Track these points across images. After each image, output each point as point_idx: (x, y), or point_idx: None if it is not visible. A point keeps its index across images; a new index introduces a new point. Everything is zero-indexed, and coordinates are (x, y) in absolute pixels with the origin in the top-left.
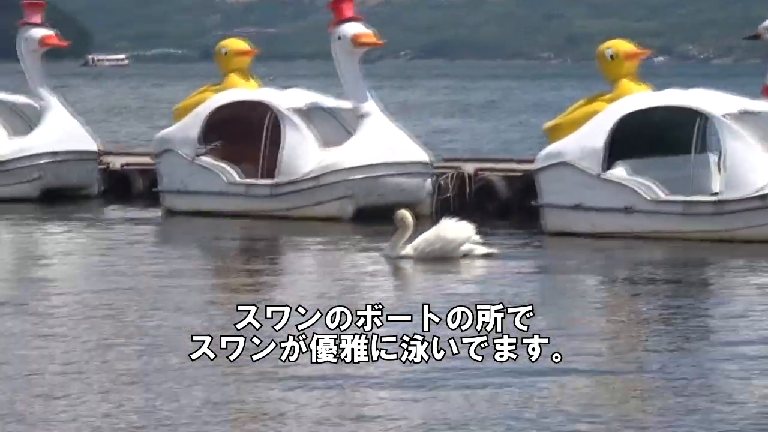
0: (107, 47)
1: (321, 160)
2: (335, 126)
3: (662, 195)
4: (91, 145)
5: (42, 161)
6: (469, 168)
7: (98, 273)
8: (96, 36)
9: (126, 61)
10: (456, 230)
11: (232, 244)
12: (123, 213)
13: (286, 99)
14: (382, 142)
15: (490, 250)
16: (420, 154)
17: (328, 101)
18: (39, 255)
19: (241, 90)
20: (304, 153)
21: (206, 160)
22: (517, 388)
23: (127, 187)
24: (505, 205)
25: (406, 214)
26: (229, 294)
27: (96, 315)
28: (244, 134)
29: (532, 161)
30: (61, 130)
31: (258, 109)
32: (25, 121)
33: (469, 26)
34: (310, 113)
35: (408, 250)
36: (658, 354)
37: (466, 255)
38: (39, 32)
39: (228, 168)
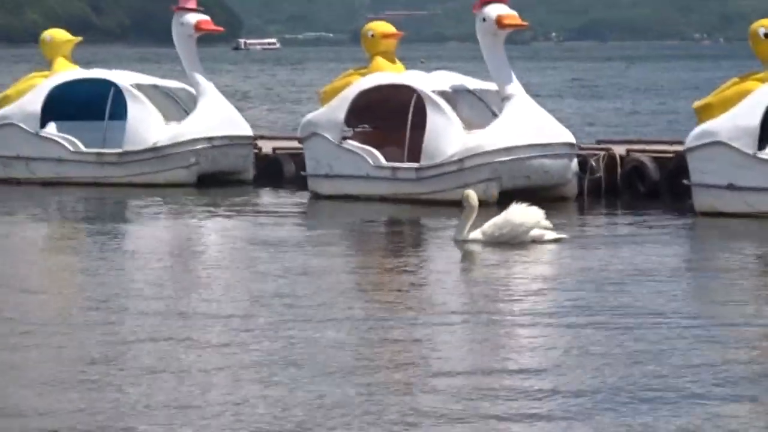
0: (258, 31)
1: (465, 142)
2: (481, 108)
3: None
4: (246, 130)
5: (198, 146)
6: (619, 149)
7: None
8: (246, 20)
9: (277, 45)
10: (524, 215)
11: (379, 228)
12: (275, 198)
13: (430, 82)
14: (527, 123)
15: (560, 235)
16: (565, 135)
17: (474, 83)
18: (199, 242)
19: (387, 73)
20: (448, 136)
21: (352, 143)
22: None
23: (278, 171)
24: (655, 186)
25: (471, 194)
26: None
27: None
28: (390, 117)
29: (682, 143)
30: (217, 116)
31: (403, 92)
32: (180, 106)
33: (622, 6)
34: (455, 96)
35: (477, 234)
36: None
37: (535, 240)
38: (194, 17)
39: (373, 151)
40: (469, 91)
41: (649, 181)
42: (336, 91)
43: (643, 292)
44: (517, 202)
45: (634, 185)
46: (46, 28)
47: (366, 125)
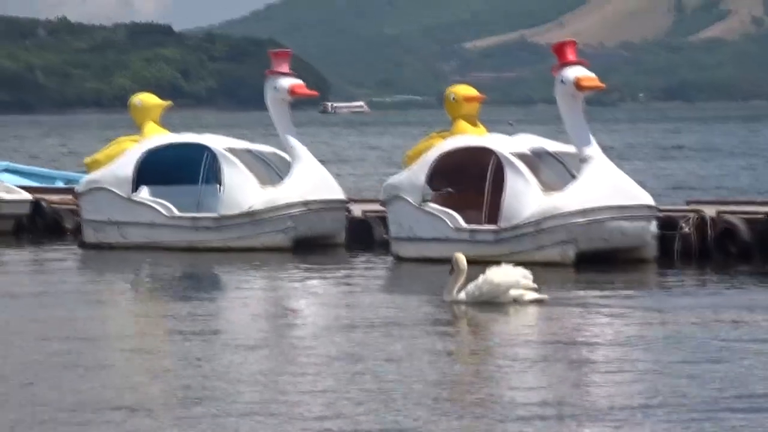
0: (345, 94)
1: (542, 204)
2: (560, 171)
3: None
4: (340, 193)
5: (294, 211)
6: (710, 210)
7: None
8: (334, 83)
9: (365, 108)
10: (503, 275)
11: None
12: (365, 262)
13: (510, 144)
14: (604, 185)
15: (541, 296)
16: (644, 197)
17: (554, 146)
18: (298, 307)
19: (467, 136)
20: (526, 198)
21: (433, 206)
22: None
23: (369, 234)
24: (747, 247)
25: (460, 257)
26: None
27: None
28: (470, 180)
29: None
30: (313, 179)
31: (482, 155)
32: (273, 170)
33: (708, 67)
34: (535, 158)
35: (462, 295)
36: None
37: (516, 300)
38: (288, 81)
39: (453, 214)
40: (548, 153)
41: (740, 243)
42: (418, 154)
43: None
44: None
45: (726, 247)
46: (134, 93)
47: (450, 188)
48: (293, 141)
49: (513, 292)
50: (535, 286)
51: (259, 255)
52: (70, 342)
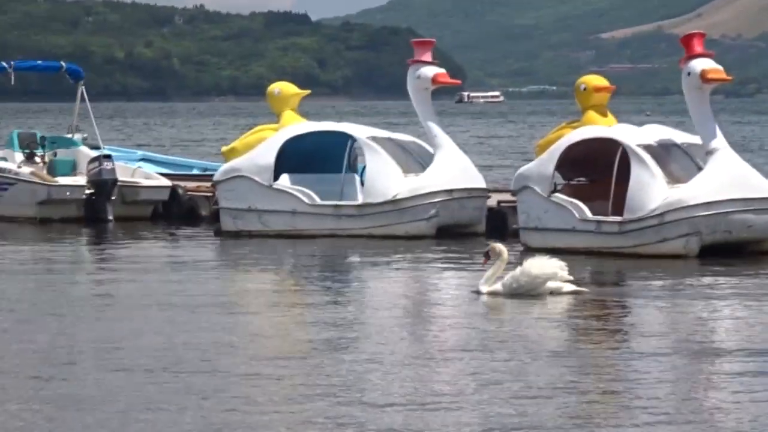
0: (480, 84)
1: (667, 196)
2: (687, 163)
3: None
4: (481, 182)
5: (438, 199)
6: None
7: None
8: (469, 73)
9: (500, 98)
10: (541, 267)
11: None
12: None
13: (636, 135)
14: (730, 178)
15: (579, 288)
16: None
17: (682, 137)
18: (438, 294)
19: (594, 127)
20: (651, 189)
21: (560, 196)
22: None
23: (504, 224)
24: None
25: (500, 248)
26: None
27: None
28: (597, 171)
29: None
30: (456, 168)
31: (609, 146)
32: (414, 158)
33: None
34: (661, 150)
35: (497, 286)
36: None
37: (553, 292)
38: (431, 70)
39: (580, 204)
40: (675, 145)
41: None
42: (548, 145)
43: None
44: (539, 255)
45: None
46: (271, 82)
47: (580, 179)
48: (436, 129)
49: (551, 284)
50: (572, 278)
51: (402, 243)
52: (214, 332)
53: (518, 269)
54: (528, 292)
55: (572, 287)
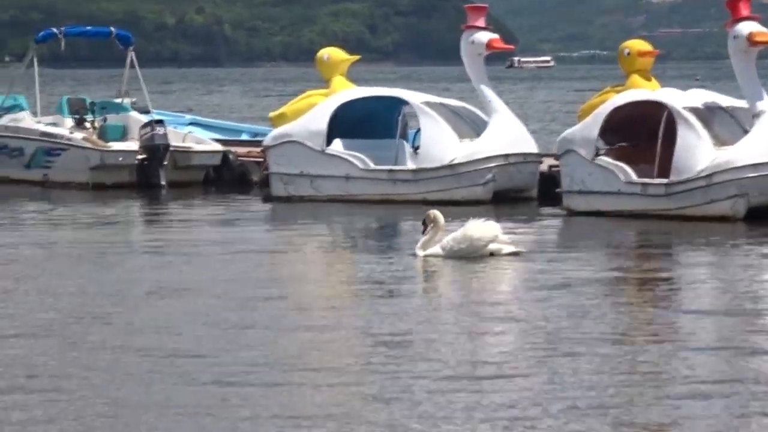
0: (531, 49)
1: (714, 159)
2: (733, 126)
3: None
4: (534, 147)
5: (493, 164)
6: None
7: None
8: (520, 38)
9: (551, 63)
10: (482, 230)
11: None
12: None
13: (682, 98)
14: None
15: (517, 249)
16: None
17: (727, 101)
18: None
19: (639, 90)
20: (697, 152)
21: (605, 159)
22: None
23: (555, 188)
24: None
25: (436, 214)
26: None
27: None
28: (642, 134)
29: None
30: (511, 133)
31: (654, 109)
32: (467, 123)
33: None
34: (707, 112)
35: (436, 249)
36: None
37: (493, 254)
38: (485, 35)
39: (625, 167)
40: (721, 108)
41: None
42: (593, 109)
43: None
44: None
45: None
46: (322, 47)
47: (623, 142)
48: (490, 94)
49: (491, 246)
50: (510, 239)
51: (458, 208)
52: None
53: (459, 232)
54: (468, 255)
55: (512, 248)
